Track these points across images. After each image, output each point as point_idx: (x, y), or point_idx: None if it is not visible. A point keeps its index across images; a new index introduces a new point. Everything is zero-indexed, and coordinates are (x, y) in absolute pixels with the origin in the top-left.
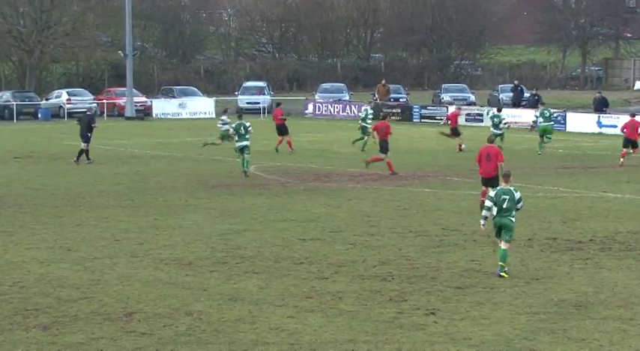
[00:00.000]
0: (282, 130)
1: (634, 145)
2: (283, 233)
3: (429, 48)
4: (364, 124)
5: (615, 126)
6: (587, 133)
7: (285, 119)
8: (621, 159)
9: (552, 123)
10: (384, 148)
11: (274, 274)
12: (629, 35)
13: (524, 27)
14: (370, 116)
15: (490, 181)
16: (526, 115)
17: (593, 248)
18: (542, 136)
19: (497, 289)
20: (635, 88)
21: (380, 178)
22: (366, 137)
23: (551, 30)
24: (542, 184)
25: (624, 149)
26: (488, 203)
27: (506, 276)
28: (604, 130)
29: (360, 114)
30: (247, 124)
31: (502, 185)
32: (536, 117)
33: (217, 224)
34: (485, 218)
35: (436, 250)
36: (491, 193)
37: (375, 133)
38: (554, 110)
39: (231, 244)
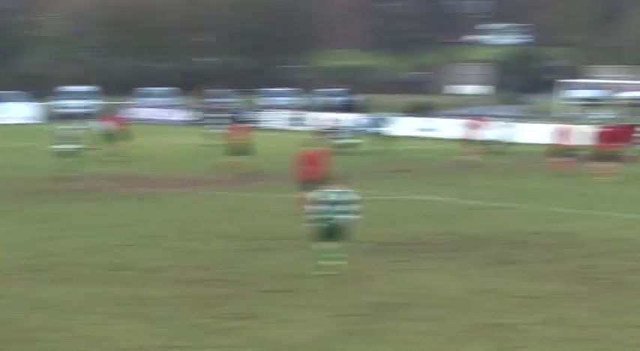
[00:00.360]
0: (116, 136)
1: None
2: (101, 239)
3: (258, 52)
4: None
5: (434, 129)
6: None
7: (124, 124)
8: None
9: (379, 128)
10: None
11: (87, 281)
12: (450, 40)
13: (352, 32)
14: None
15: (310, 184)
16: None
17: (407, 250)
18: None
19: (309, 292)
20: (455, 92)
21: (201, 183)
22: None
23: (379, 35)
24: (360, 188)
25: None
26: (315, 205)
27: (333, 273)
28: (425, 134)
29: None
30: None
31: (330, 187)
32: (366, 123)
33: (32, 231)
34: (313, 220)
35: (254, 255)
36: (319, 194)
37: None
38: (378, 115)
39: (44, 251)
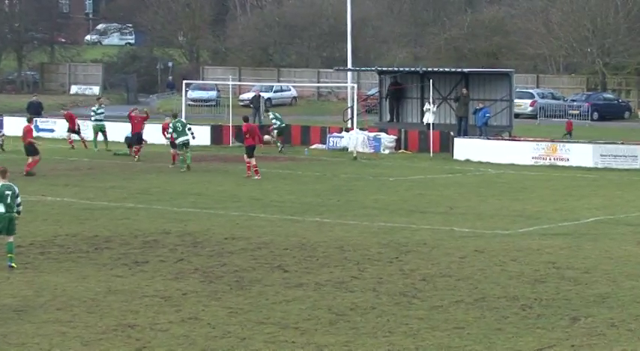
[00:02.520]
0: None
1: None
2: None
3: None
4: None
5: (53, 130)
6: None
7: None
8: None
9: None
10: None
11: None
12: (63, 40)
13: None
14: None
15: None
16: None
17: (33, 252)
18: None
19: None
20: (71, 92)
21: None
22: None
23: None
24: None
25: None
26: None
27: (15, 266)
28: (41, 134)
29: None
30: (184, 121)
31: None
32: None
33: None
34: None
35: None
36: None
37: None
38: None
39: None
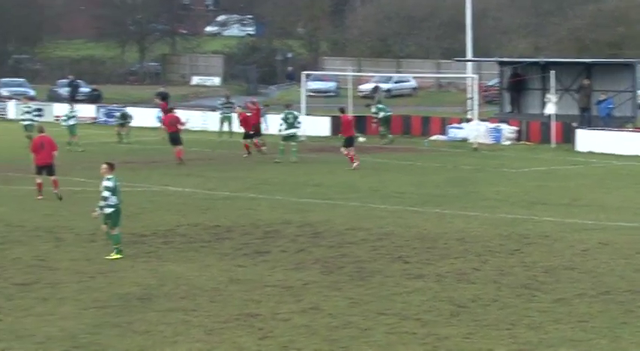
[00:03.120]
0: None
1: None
2: None
3: None
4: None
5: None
6: (149, 128)
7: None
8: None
9: (296, 129)
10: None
11: None
12: (184, 31)
13: (82, 22)
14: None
15: (45, 169)
16: (85, 110)
17: (156, 241)
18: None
19: (62, 284)
20: (192, 83)
21: None
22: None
23: (109, 25)
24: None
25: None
26: (107, 193)
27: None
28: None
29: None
30: (296, 113)
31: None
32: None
33: None
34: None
35: (2, 247)
36: (110, 183)
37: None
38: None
39: None
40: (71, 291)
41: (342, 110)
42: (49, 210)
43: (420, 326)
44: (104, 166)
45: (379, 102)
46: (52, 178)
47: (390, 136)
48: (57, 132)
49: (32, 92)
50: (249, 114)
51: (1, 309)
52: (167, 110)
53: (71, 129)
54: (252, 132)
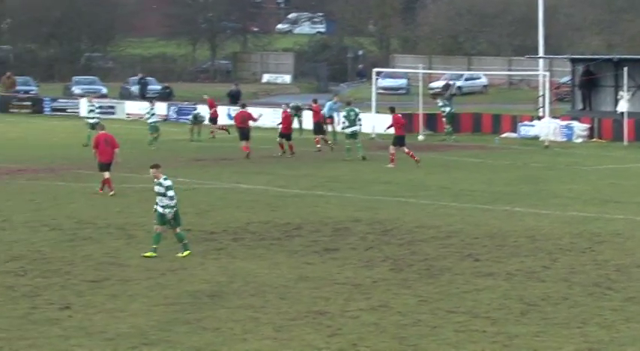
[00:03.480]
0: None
1: None
2: None
3: (59, 40)
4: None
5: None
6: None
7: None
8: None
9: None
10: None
11: None
12: (255, 29)
13: (154, 20)
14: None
15: (106, 165)
16: (156, 108)
17: (226, 238)
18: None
19: (132, 281)
20: (263, 80)
21: (11, 172)
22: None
23: (180, 23)
24: (175, 176)
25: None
26: (172, 192)
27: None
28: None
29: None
30: (357, 110)
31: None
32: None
33: None
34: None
35: (70, 244)
36: (169, 182)
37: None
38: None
39: None
40: (141, 288)
41: (393, 109)
42: (120, 207)
43: (489, 324)
44: (153, 170)
45: (448, 98)
46: (107, 175)
47: (453, 136)
48: (133, 130)
49: (104, 90)
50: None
51: (72, 305)
52: (243, 105)
53: (151, 126)
54: (286, 133)
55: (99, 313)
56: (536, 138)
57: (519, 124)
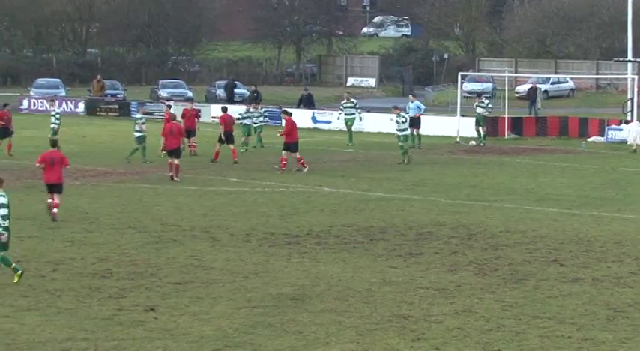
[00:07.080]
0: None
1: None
2: None
3: (146, 43)
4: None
5: (330, 122)
6: (302, 129)
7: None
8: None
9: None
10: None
11: None
12: (340, 33)
13: (240, 23)
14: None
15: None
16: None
17: (310, 242)
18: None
19: (216, 283)
20: (348, 84)
21: (99, 175)
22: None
23: (266, 27)
24: (259, 180)
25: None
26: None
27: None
28: (318, 125)
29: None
30: (404, 114)
31: None
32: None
33: None
34: None
35: (155, 246)
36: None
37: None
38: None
39: None
40: (225, 290)
41: (288, 113)
42: (205, 210)
43: (575, 330)
44: None
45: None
46: (176, 162)
47: (482, 140)
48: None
49: (190, 93)
50: None
51: (157, 307)
52: (224, 109)
53: (244, 130)
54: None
55: (183, 315)
56: (623, 142)
57: (607, 128)
